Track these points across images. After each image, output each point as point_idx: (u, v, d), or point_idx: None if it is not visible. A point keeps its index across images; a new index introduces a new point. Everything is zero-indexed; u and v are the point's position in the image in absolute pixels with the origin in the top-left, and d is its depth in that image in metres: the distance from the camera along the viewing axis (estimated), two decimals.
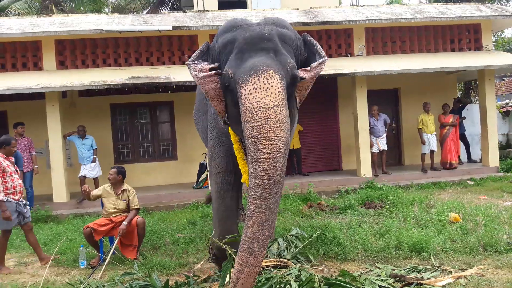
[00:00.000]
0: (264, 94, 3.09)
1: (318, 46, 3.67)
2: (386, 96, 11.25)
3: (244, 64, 3.26)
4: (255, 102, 3.08)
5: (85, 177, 8.70)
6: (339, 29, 10.16)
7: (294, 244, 5.06)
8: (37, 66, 9.46)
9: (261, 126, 3.02)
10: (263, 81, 3.11)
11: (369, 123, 9.64)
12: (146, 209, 8.02)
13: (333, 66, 9.20)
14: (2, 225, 5.13)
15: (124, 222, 5.19)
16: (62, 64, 9.51)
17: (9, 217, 5.01)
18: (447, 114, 10.13)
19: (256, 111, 3.06)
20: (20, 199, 5.26)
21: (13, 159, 5.44)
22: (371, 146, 9.67)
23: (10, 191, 5.13)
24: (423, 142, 9.93)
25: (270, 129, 3.01)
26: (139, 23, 9.38)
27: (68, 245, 5.78)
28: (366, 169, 9.50)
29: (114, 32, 9.10)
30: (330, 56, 10.13)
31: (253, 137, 3.04)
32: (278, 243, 4.96)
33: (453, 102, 10.73)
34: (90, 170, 8.74)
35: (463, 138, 10.78)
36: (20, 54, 9.43)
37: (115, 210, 5.40)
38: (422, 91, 10.93)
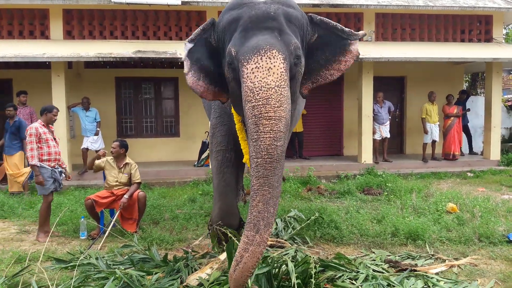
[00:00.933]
0: (266, 74, 3.06)
1: (339, 25, 3.60)
2: (392, 84, 11.21)
3: (248, 42, 3.22)
4: (257, 81, 3.05)
5: (87, 149, 8.75)
6: (349, 13, 10.06)
7: (292, 225, 5.13)
8: (44, 34, 9.41)
9: (261, 106, 3.01)
10: (266, 61, 3.08)
11: (373, 109, 9.62)
12: (147, 184, 8.09)
13: None
14: (40, 190, 5.30)
15: (126, 195, 5.26)
16: (69, 34, 9.47)
17: (41, 182, 5.13)
18: (451, 105, 10.11)
19: (257, 91, 3.04)
20: (56, 166, 5.33)
21: (53, 128, 5.51)
22: (374, 133, 9.68)
23: (45, 157, 5.21)
24: (425, 132, 9.93)
25: (271, 109, 3.00)
26: None
27: (69, 216, 5.86)
28: (367, 156, 9.53)
29: (123, 4, 9.02)
30: None
31: (254, 117, 3.03)
32: (276, 224, 5.04)
33: (459, 93, 10.68)
34: (92, 142, 8.79)
35: (466, 129, 10.77)
36: (28, 21, 9.37)
37: (117, 183, 5.46)
38: (428, 80, 10.86)
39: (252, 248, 2.88)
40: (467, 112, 10.66)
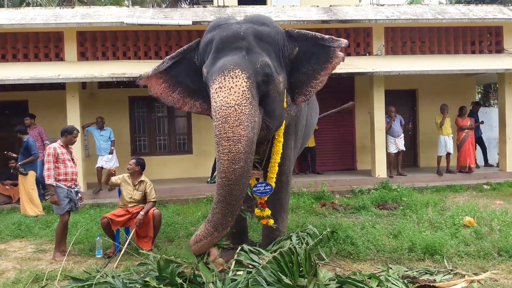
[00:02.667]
0: (228, 93, 3.14)
1: (318, 35, 3.66)
2: (404, 97, 11.17)
3: (217, 63, 3.33)
4: (219, 100, 3.14)
5: (102, 168, 8.84)
6: (358, 28, 10.12)
7: (305, 240, 5.09)
8: (59, 57, 9.63)
9: (221, 125, 3.10)
10: (229, 80, 3.16)
11: (386, 123, 9.58)
12: (161, 202, 8.11)
13: (350, 64, 9.18)
14: (56, 210, 5.38)
15: (141, 213, 5.29)
16: (83, 56, 9.67)
17: (56, 202, 5.20)
18: (464, 117, 10.02)
19: (218, 110, 3.13)
20: (73, 186, 5.40)
21: (72, 149, 5.61)
22: (389, 146, 9.62)
23: (62, 177, 5.28)
24: (442, 125, 9.76)
25: (230, 129, 3.08)
26: (159, 17, 9.48)
27: (85, 235, 5.90)
28: (381, 170, 9.47)
29: (135, 25, 9.21)
30: (348, 54, 10.10)
31: (215, 136, 3.15)
32: (291, 240, 5.00)
33: (472, 105, 10.60)
34: (107, 161, 8.87)
35: (480, 141, 10.65)
36: (43, 44, 9.61)
37: (131, 200, 5.50)
38: (440, 92, 10.81)
39: (210, 239, 3.41)
40: (480, 124, 10.54)
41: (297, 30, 3.68)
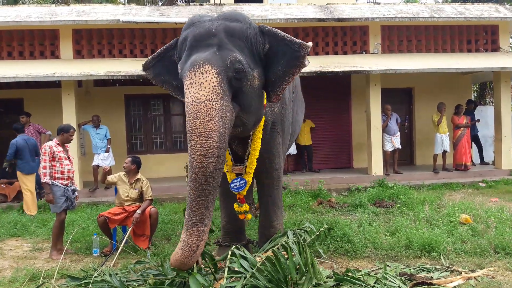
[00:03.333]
0: (198, 89, 3.19)
1: (287, 36, 3.58)
2: (400, 95, 11.21)
3: (189, 60, 3.39)
4: (190, 96, 3.19)
5: (98, 166, 8.80)
6: (355, 26, 10.13)
7: (302, 237, 5.08)
8: (54, 54, 9.58)
9: (192, 121, 3.14)
10: (199, 76, 3.21)
11: (383, 121, 9.61)
12: (158, 200, 8.09)
13: (347, 63, 9.19)
14: (52, 208, 5.36)
15: (138, 211, 5.28)
16: (78, 54, 9.62)
17: (51, 200, 5.20)
18: (460, 115, 10.05)
19: (190, 106, 3.18)
20: (69, 185, 5.38)
21: (68, 147, 5.59)
22: (385, 144, 9.64)
23: (58, 175, 5.28)
24: (439, 123, 9.79)
25: (200, 124, 3.12)
26: (156, 15, 9.45)
27: (81, 233, 5.88)
28: (377, 168, 9.49)
29: (131, 23, 9.17)
30: (345, 53, 10.11)
31: (188, 132, 3.17)
32: (287, 236, 5.00)
33: (466, 104, 10.62)
34: (103, 159, 8.83)
35: (476, 139, 10.70)
36: (38, 42, 9.55)
37: (127, 198, 5.49)
38: (436, 91, 10.85)
39: (204, 237, 3.29)
40: (476, 123, 10.59)
41: (268, 27, 3.68)
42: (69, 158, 5.46)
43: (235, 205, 4.35)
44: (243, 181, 4.17)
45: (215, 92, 3.19)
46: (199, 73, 3.22)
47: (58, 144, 5.39)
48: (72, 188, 5.42)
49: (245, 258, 3.61)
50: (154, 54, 4.10)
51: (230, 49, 3.41)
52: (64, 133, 5.43)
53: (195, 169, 3.17)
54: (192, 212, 3.24)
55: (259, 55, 3.65)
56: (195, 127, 3.12)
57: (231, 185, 4.18)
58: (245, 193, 4.27)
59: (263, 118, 4.04)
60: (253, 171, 4.20)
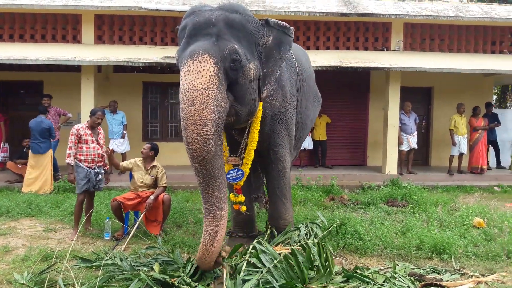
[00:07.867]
0: (195, 77, 3.23)
1: (287, 26, 3.88)
2: (419, 94, 11.04)
3: (188, 48, 3.43)
4: (186, 83, 3.24)
5: (113, 151, 8.88)
6: (377, 22, 10.00)
7: (314, 232, 5.08)
8: (76, 39, 9.68)
9: (187, 108, 3.18)
10: (197, 64, 3.25)
11: (401, 119, 9.49)
12: (171, 188, 8.14)
13: (367, 59, 9.09)
14: (76, 189, 5.48)
15: (151, 197, 5.33)
16: (99, 39, 9.71)
17: (72, 181, 5.40)
18: (478, 118, 9.87)
19: (185, 93, 3.22)
20: (93, 167, 5.45)
21: (101, 131, 5.72)
22: (401, 143, 9.53)
23: (83, 158, 5.40)
24: (454, 144, 9.70)
25: (196, 112, 3.16)
26: (178, 3, 9.48)
27: (94, 217, 5.96)
28: (391, 167, 9.40)
29: (153, 11, 9.21)
30: (366, 48, 10.01)
31: (182, 119, 3.22)
32: (299, 231, 5.00)
33: (485, 106, 10.40)
34: (119, 145, 8.94)
35: (494, 143, 10.49)
36: (61, 26, 9.66)
37: (142, 184, 5.54)
38: (456, 91, 10.65)
39: (223, 222, 3.31)
40: (496, 127, 10.32)
41: (273, 19, 3.84)
42: (98, 141, 5.55)
43: (231, 195, 4.36)
44: (240, 172, 4.20)
45: (211, 81, 3.24)
46: (197, 62, 3.26)
47: (87, 127, 5.51)
48: (96, 171, 5.48)
49: (265, 253, 3.63)
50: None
51: (228, 40, 3.48)
52: (92, 115, 5.56)
53: (196, 159, 3.22)
54: (207, 198, 3.30)
55: (258, 48, 3.75)
56: (190, 114, 3.17)
57: (227, 176, 4.17)
58: (242, 183, 4.29)
59: (261, 110, 4.07)
60: (251, 162, 4.22)
